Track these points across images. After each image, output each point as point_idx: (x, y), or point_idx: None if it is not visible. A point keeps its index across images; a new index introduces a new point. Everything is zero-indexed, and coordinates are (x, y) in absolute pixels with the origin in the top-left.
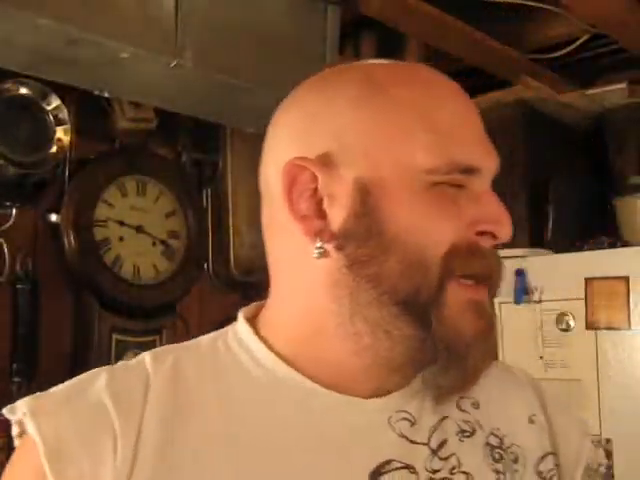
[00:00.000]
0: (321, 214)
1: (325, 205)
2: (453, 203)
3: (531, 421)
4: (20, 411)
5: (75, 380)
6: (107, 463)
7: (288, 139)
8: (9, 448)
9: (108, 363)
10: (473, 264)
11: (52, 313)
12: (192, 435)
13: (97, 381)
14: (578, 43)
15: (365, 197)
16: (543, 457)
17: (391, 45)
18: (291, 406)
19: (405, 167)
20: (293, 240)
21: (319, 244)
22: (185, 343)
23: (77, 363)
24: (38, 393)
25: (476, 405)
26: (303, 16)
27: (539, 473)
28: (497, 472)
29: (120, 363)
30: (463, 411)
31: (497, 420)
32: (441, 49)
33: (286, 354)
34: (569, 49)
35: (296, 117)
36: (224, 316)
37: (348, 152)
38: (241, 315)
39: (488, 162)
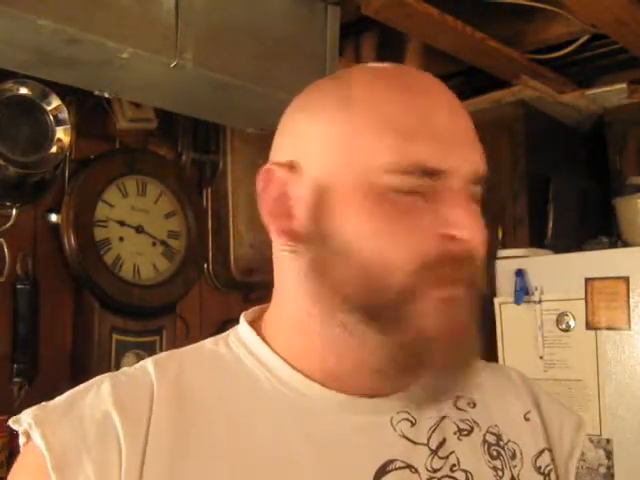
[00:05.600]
0: (289, 214)
1: (293, 206)
2: (410, 213)
3: (526, 419)
4: (25, 422)
5: (78, 388)
6: (113, 473)
7: (274, 145)
8: (9, 448)
9: (108, 363)
10: (444, 274)
11: (52, 313)
12: (198, 444)
13: (100, 389)
14: (578, 43)
15: (320, 200)
16: (540, 453)
17: (391, 45)
18: (295, 407)
19: (361, 168)
20: (275, 242)
21: (285, 242)
22: (187, 348)
23: (77, 363)
24: (43, 403)
25: (472, 404)
26: (303, 16)
27: (537, 468)
28: (495, 469)
29: (122, 370)
30: (460, 410)
31: (494, 418)
32: (441, 49)
33: (287, 356)
34: (569, 49)
35: (281, 121)
36: (224, 316)
37: (310, 155)
38: (243, 318)
39: (458, 164)
